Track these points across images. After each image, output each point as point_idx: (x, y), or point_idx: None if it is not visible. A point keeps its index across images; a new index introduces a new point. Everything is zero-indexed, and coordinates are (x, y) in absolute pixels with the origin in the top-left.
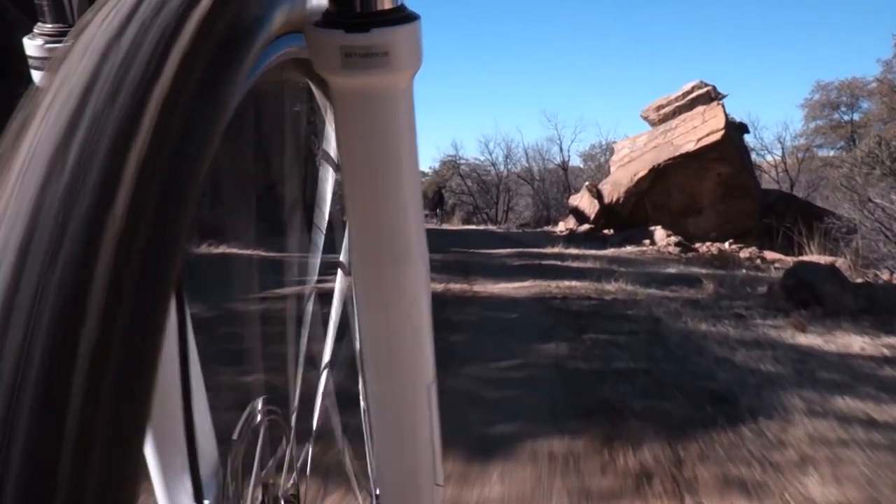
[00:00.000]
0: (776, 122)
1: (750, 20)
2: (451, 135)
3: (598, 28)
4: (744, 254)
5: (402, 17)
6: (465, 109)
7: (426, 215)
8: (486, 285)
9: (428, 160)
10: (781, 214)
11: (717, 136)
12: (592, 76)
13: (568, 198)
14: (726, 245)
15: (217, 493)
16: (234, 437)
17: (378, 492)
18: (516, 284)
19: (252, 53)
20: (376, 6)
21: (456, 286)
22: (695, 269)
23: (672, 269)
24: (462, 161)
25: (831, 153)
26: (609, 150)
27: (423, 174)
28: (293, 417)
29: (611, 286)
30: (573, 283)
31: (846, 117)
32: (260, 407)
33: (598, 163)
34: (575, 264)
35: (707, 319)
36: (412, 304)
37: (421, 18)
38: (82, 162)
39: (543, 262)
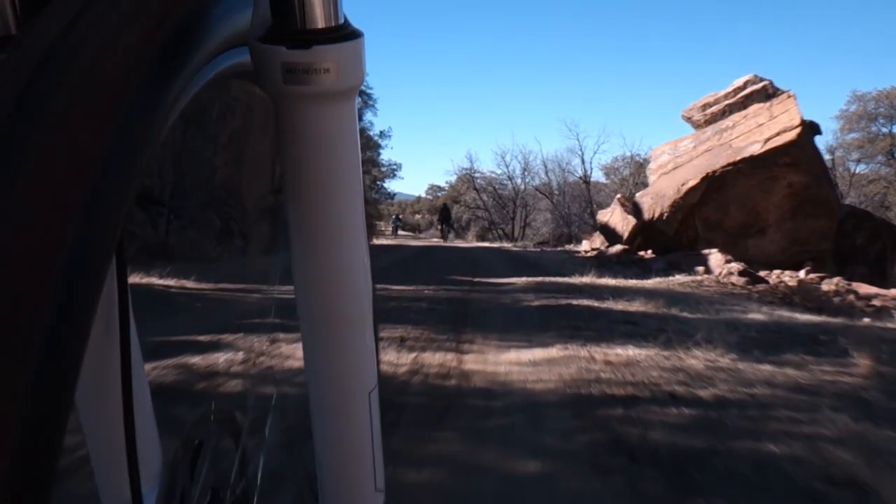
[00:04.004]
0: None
1: (781, 28)
2: (465, 146)
3: (621, 35)
4: (827, 286)
5: (345, 34)
6: (479, 120)
7: (439, 229)
8: (487, 355)
9: (442, 174)
10: (851, 234)
11: (790, 136)
12: (616, 85)
13: (590, 213)
14: (802, 273)
15: (158, 499)
16: (180, 442)
17: (319, 497)
18: (536, 354)
19: (192, 66)
20: (319, 23)
21: (435, 358)
22: (785, 314)
23: (757, 315)
24: (477, 174)
25: (867, 168)
26: (634, 162)
27: (440, 188)
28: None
29: (695, 358)
30: (629, 349)
31: (885, 129)
32: (208, 412)
33: (622, 176)
34: (619, 306)
35: None
36: (354, 310)
37: (364, 36)
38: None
39: (574, 303)
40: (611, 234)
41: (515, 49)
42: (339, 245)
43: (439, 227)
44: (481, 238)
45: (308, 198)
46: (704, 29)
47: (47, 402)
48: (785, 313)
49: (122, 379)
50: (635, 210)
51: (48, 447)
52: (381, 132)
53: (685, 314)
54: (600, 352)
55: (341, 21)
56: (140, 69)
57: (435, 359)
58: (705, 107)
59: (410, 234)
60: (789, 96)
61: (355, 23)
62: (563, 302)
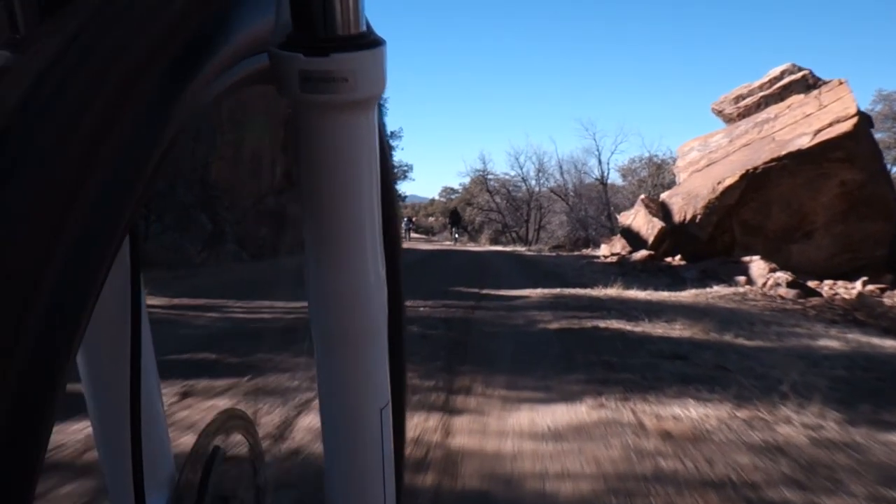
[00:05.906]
0: None
1: (800, 25)
2: (478, 147)
3: (636, 37)
4: (890, 299)
5: (366, 42)
6: (493, 120)
7: (453, 231)
8: (487, 418)
9: (455, 175)
10: None
11: (845, 126)
12: (633, 84)
13: (607, 216)
14: (859, 285)
15: None
16: (192, 449)
17: None
18: (559, 416)
19: (209, 71)
20: (339, 31)
21: (411, 425)
22: (861, 338)
23: (829, 341)
24: (490, 176)
25: (895, 170)
26: (652, 163)
27: (453, 191)
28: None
29: (788, 423)
30: (690, 407)
31: None
32: (224, 421)
33: (640, 178)
34: (658, 330)
35: None
36: (368, 325)
37: (386, 44)
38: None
39: (601, 325)
40: (634, 238)
41: (530, 48)
42: (354, 259)
43: (451, 230)
44: (494, 241)
45: (322, 209)
46: (721, 30)
47: (29, 404)
48: (860, 337)
49: (132, 385)
50: (662, 212)
51: (31, 447)
52: (391, 133)
53: (741, 341)
54: (650, 412)
55: (363, 29)
56: (153, 73)
57: (410, 426)
58: (738, 98)
59: (423, 236)
60: (841, 82)
61: (372, 23)
62: (589, 324)
